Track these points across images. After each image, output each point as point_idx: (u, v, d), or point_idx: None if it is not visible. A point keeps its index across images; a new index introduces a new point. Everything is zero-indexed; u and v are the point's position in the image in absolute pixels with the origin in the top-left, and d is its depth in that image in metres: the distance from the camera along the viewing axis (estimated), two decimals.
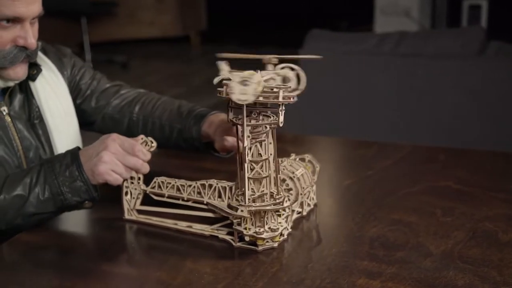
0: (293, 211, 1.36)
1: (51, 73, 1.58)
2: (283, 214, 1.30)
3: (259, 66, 1.25)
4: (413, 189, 1.52)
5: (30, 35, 1.40)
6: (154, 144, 1.35)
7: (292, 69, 1.23)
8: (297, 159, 1.42)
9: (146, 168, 1.34)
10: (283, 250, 1.27)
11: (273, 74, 1.23)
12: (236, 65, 1.21)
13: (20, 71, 1.44)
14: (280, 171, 1.35)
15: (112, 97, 1.68)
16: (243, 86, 1.11)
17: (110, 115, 1.67)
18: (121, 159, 1.30)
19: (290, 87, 1.20)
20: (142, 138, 1.35)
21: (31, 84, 1.53)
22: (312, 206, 1.43)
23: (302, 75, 1.23)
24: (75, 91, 1.65)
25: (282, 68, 1.25)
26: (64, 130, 1.57)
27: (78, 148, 1.36)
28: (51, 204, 1.33)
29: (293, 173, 1.35)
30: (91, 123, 1.69)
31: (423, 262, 1.20)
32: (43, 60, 1.58)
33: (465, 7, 5.22)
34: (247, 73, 1.13)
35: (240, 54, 1.24)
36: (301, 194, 1.35)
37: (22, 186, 1.31)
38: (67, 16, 6.47)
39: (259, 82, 1.13)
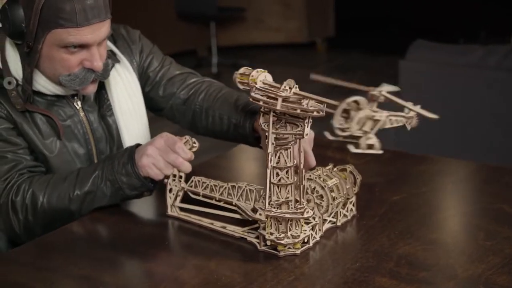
0: (324, 220, 1.36)
1: (124, 69, 1.62)
2: (309, 222, 1.30)
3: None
4: (463, 209, 1.45)
5: (96, 58, 1.45)
6: (196, 144, 1.42)
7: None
8: (335, 169, 1.41)
9: (186, 167, 1.40)
10: (307, 258, 1.27)
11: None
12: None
13: (89, 88, 1.50)
14: (313, 180, 1.34)
15: (180, 86, 1.68)
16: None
17: (177, 105, 1.69)
18: (163, 154, 1.40)
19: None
20: (185, 138, 1.41)
21: None
22: (349, 217, 1.41)
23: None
24: (143, 79, 1.69)
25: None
26: (133, 128, 1.63)
27: (136, 146, 1.46)
28: (114, 198, 1.47)
29: (325, 182, 1.34)
30: (160, 109, 1.73)
31: (445, 284, 1.16)
32: (117, 54, 1.62)
33: None
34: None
35: (335, 81, 1.22)
36: (331, 204, 1.33)
37: (91, 183, 1.45)
38: (198, 20, 6.71)
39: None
